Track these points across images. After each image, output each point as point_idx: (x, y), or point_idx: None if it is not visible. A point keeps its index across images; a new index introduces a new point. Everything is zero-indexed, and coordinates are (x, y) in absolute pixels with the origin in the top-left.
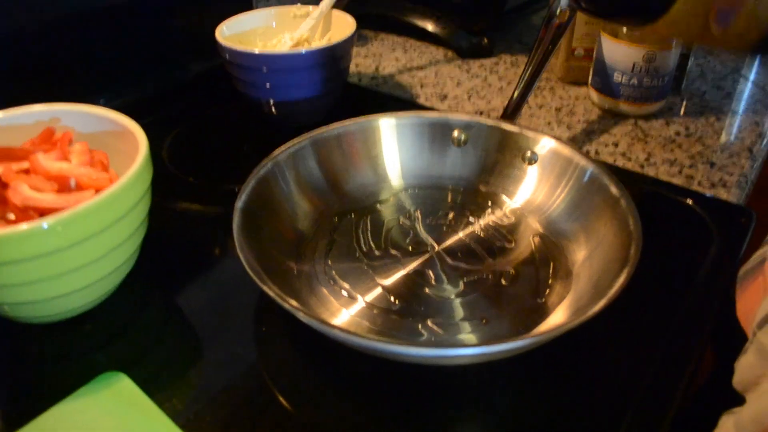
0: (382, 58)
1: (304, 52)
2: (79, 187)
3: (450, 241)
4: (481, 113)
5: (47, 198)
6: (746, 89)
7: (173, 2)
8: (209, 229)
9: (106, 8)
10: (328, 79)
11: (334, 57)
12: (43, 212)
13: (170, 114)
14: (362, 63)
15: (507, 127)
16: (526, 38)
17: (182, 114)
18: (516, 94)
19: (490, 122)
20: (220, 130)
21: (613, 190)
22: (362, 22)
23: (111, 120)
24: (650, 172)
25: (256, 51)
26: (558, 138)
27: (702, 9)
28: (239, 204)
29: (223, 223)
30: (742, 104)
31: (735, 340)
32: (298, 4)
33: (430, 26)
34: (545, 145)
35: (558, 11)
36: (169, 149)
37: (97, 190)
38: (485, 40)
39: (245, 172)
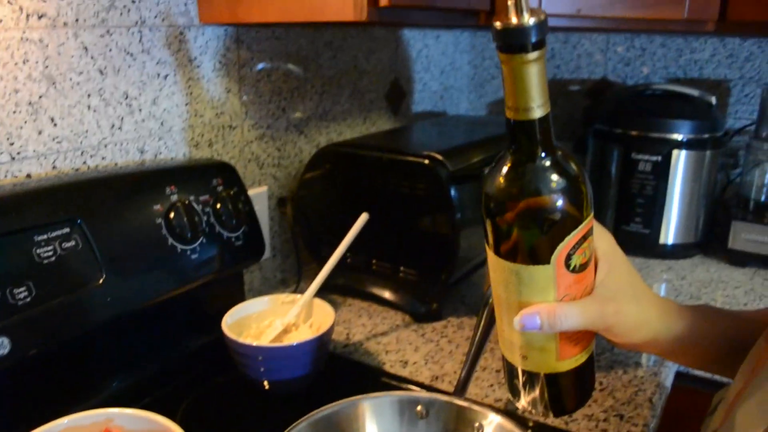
0: (351, 324)
1: (295, 344)
2: None
3: None
4: (437, 378)
5: None
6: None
7: (181, 296)
8: None
9: (119, 314)
10: (313, 361)
11: (317, 345)
12: None
13: (178, 386)
14: (335, 331)
15: (459, 402)
16: (468, 299)
17: (188, 386)
18: (463, 374)
19: (445, 399)
20: (222, 400)
21: None
22: (331, 290)
23: (155, 421)
24: (573, 428)
25: (254, 344)
26: (501, 411)
27: None
28: None
29: None
30: (642, 356)
31: None
32: (287, 293)
33: (387, 295)
34: (491, 419)
35: (491, 299)
36: (181, 421)
37: None
38: (434, 306)
39: None
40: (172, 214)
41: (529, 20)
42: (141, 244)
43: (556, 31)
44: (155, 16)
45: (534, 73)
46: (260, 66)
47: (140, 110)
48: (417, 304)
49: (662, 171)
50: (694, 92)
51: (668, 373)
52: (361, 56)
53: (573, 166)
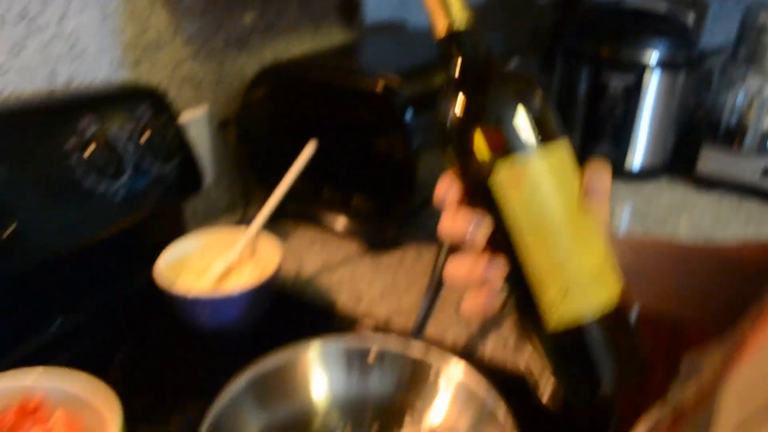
0: (302, 256)
1: (236, 294)
2: None
3: None
4: (394, 313)
5: None
6: None
7: (112, 237)
8: None
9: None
10: (256, 307)
11: (261, 291)
12: None
13: (113, 335)
14: (284, 263)
15: (414, 348)
16: (427, 227)
17: (124, 334)
18: (421, 314)
19: (399, 345)
20: (159, 350)
21: (501, 416)
22: (282, 217)
23: (81, 383)
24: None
25: (190, 296)
26: (457, 356)
27: None
28: None
29: None
30: None
31: None
32: (230, 226)
33: (340, 224)
34: (449, 363)
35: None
36: (115, 376)
37: None
38: (391, 234)
39: (188, 390)
40: (89, 150)
41: None
42: (55, 185)
43: None
44: None
45: None
46: None
47: (46, 29)
48: (372, 233)
49: (633, 93)
50: (668, 10)
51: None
52: None
53: None
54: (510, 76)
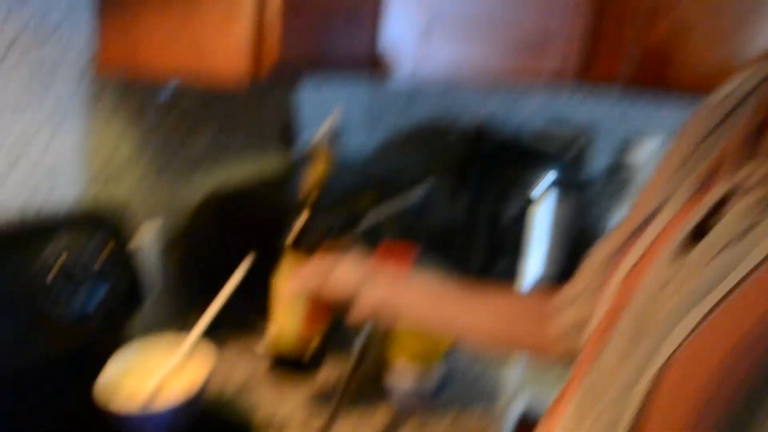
0: (234, 366)
1: (161, 411)
2: None
3: None
4: (308, 419)
5: None
6: (494, 387)
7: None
8: None
9: None
10: (180, 423)
11: (186, 407)
12: None
13: None
14: (213, 378)
15: None
16: (351, 342)
17: None
18: (327, 419)
19: None
20: None
21: None
22: (219, 327)
23: None
24: None
25: (118, 412)
26: None
27: None
28: None
29: None
30: (491, 395)
31: None
32: (169, 336)
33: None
34: None
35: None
36: None
37: None
38: (315, 354)
39: None
40: (50, 275)
41: None
42: (15, 307)
43: None
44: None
45: None
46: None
47: (27, 160)
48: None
49: (528, 214)
50: (553, 146)
51: (514, 411)
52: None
53: None
54: None
